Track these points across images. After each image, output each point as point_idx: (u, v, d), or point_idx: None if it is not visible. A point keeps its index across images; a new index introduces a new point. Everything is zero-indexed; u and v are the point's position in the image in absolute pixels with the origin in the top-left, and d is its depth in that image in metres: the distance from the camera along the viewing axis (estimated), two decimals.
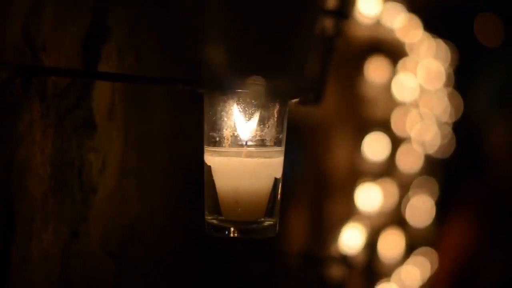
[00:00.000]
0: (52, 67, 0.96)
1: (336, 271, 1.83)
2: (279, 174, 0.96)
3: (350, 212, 2.37)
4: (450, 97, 4.01)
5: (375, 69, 2.43)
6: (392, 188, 2.70)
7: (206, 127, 0.94)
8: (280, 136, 0.95)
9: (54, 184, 0.99)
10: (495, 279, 2.95)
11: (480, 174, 3.46)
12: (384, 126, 2.67)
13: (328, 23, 1.18)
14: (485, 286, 3.00)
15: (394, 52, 2.69)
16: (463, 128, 4.16)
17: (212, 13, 0.79)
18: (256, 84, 0.83)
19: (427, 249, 3.17)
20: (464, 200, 3.21)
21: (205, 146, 0.94)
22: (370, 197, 2.47)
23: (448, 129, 3.96)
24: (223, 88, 0.86)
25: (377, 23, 2.34)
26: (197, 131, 0.95)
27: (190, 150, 1.13)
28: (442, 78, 3.76)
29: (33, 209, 0.95)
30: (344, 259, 1.84)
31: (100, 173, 1.10)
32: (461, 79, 4.29)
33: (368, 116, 2.55)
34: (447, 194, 3.46)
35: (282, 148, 0.96)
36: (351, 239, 2.11)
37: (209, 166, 0.94)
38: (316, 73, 1.15)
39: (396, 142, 2.83)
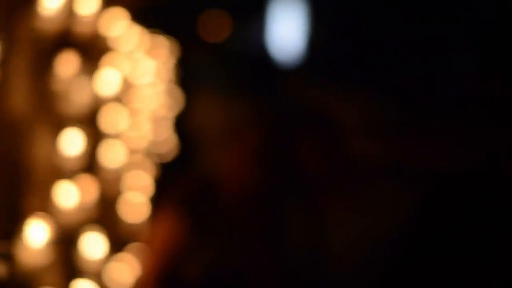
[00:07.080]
0: None
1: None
2: None
3: (44, 209, 2.30)
4: (170, 92, 4.05)
5: (67, 64, 2.35)
6: (94, 184, 2.66)
7: None
8: None
9: None
10: (198, 273, 3.01)
11: (191, 167, 3.52)
12: (86, 122, 2.61)
13: None
14: (190, 279, 3.05)
15: (93, 45, 2.63)
16: (183, 123, 4.24)
17: None
18: None
19: (137, 245, 3.16)
20: (170, 194, 3.23)
21: None
22: (68, 193, 2.41)
23: (167, 124, 4.00)
24: None
25: (71, 16, 2.27)
26: None
27: None
28: (159, 73, 3.78)
29: None
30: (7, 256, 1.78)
31: None
32: (182, 74, 4.37)
33: (66, 112, 2.48)
34: (160, 189, 3.49)
35: None
36: (37, 235, 2.04)
37: None
38: None
39: (100, 137, 2.79)
